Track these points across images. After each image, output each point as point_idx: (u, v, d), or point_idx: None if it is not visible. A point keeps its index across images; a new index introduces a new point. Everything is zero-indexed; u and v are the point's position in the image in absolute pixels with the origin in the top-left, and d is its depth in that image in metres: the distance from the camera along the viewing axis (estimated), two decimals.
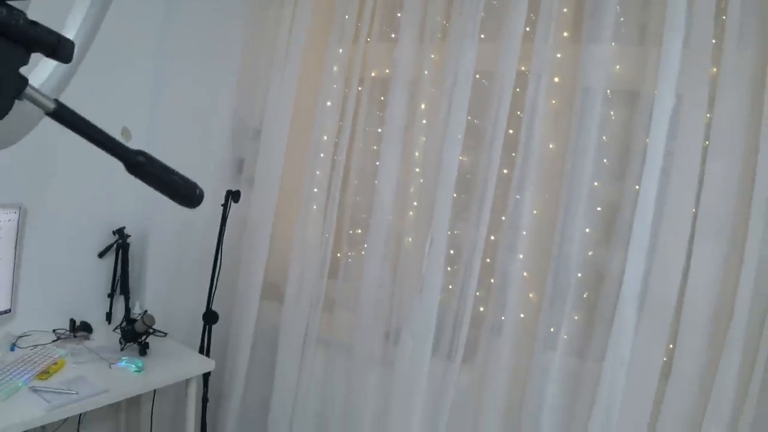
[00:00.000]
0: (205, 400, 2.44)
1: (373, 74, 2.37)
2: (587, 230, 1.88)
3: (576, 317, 1.91)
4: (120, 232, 2.60)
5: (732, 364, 1.61)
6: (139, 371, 2.13)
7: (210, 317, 2.42)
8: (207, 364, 2.36)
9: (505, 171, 2.03)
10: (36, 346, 2.18)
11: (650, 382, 1.74)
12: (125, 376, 2.09)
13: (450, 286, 2.13)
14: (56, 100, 0.60)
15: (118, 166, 0.65)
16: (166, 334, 2.52)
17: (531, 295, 2.00)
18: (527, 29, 1.96)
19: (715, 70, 1.69)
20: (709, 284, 1.68)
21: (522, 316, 1.99)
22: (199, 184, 0.71)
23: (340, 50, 2.38)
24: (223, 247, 2.41)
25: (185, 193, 0.69)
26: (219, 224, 2.40)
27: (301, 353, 2.46)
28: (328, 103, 2.40)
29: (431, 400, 2.12)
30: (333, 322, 2.43)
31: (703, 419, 1.66)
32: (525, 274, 1.99)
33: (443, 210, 2.07)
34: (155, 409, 2.64)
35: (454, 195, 2.07)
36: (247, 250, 2.59)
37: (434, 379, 2.11)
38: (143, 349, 2.28)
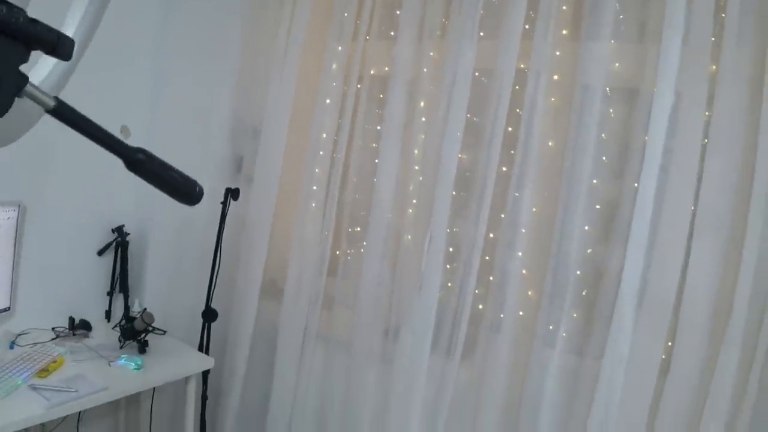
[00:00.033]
0: (204, 398, 2.45)
1: (372, 72, 2.37)
2: (586, 228, 1.88)
3: (575, 315, 1.91)
4: (119, 230, 2.61)
5: (731, 361, 1.61)
6: (139, 369, 2.13)
7: (209, 315, 2.42)
8: (206, 362, 2.37)
9: (504, 169, 2.03)
10: (35, 344, 2.18)
11: (649, 379, 1.75)
12: (124, 374, 2.10)
13: (449, 284, 2.13)
14: (56, 98, 0.60)
15: (117, 163, 0.65)
16: (165, 331, 2.52)
17: (530, 293, 2.00)
18: (526, 27, 1.96)
19: (714, 67, 1.69)
20: (708, 281, 1.69)
21: (521, 313, 1.99)
22: (198, 182, 0.71)
23: (339, 48, 2.38)
24: (222, 244, 2.41)
25: (185, 190, 0.70)
26: (218, 222, 2.40)
27: (300, 351, 2.46)
28: (327, 101, 2.40)
29: (430, 398, 2.12)
30: (332, 319, 2.43)
31: (701, 416, 1.66)
32: (524, 271, 1.99)
33: (442, 208, 2.07)
34: (154, 407, 2.64)
35: (453, 193, 2.07)
36: (246, 247, 2.59)
37: (433, 376, 2.11)
38: (142, 347, 2.28)
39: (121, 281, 2.63)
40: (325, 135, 2.42)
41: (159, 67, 2.71)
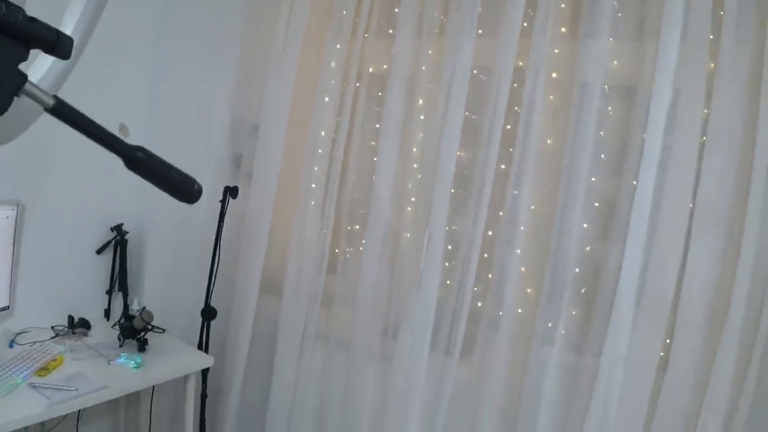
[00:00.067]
0: (203, 396, 2.45)
1: (370, 70, 2.37)
2: (585, 225, 1.89)
3: (573, 312, 1.91)
4: (118, 229, 2.60)
5: (728, 358, 1.62)
6: (138, 367, 2.13)
7: (208, 313, 2.42)
8: (206, 360, 2.37)
9: (503, 166, 2.03)
10: (35, 342, 2.18)
11: (647, 376, 1.75)
12: (124, 373, 2.10)
13: (448, 282, 2.14)
14: (55, 96, 0.60)
15: (116, 162, 0.65)
16: (164, 330, 2.52)
17: (529, 291, 2.00)
18: (525, 25, 1.96)
19: (712, 65, 1.69)
20: (706, 279, 1.69)
21: (520, 311, 2.00)
22: (197, 180, 0.71)
23: (338, 46, 2.38)
24: (221, 243, 2.41)
25: (184, 188, 0.70)
26: (217, 220, 2.40)
27: (299, 349, 2.46)
28: (326, 99, 2.40)
29: (429, 396, 2.12)
30: (331, 317, 2.43)
31: (699, 413, 1.67)
32: (523, 269, 1.99)
33: (441, 206, 2.07)
34: (154, 406, 2.65)
35: (452, 191, 2.07)
36: (246, 246, 2.59)
37: (432, 374, 2.12)
38: (142, 346, 2.28)
39: (120, 280, 2.63)
40: (323, 133, 2.42)
41: (157, 65, 2.71)
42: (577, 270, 1.90)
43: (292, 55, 2.44)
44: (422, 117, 2.21)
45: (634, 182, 1.75)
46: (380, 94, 2.34)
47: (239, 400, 2.60)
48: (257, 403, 2.59)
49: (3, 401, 1.75)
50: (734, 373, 1.62)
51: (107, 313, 2.65)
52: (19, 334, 2.23)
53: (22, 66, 0.57)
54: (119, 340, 2.31)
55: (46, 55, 0.60)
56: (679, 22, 1.66)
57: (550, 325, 1.92)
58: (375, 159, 2.30)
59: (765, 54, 1.61)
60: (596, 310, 1.86)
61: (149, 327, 2.30)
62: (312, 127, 2.43)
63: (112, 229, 2.61)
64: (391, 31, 2.30)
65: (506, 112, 1.97)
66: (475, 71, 2.06)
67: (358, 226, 2.42)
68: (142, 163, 0.65)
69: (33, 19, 0.55)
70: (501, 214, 2.02)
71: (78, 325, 2.41)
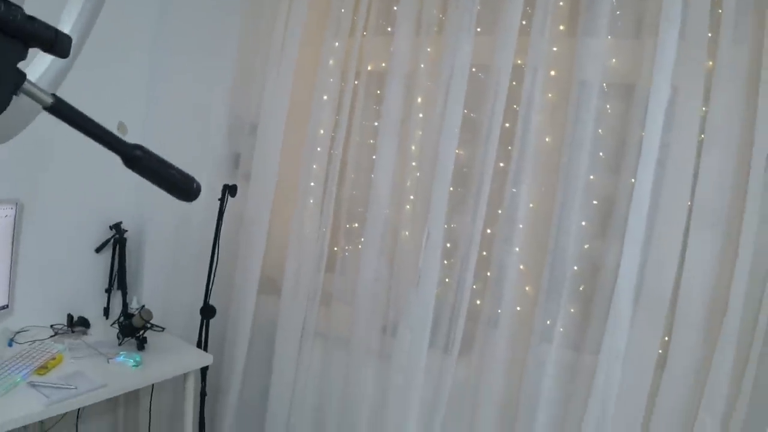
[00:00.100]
0: (203, 395, 2.45)
1: (369, 68, 2.37)
2: (583, 223, 1.89)
3: (572, 310, 1.92)
4: (117, 227, 2.60)
5: (726, 356, 1.62)
6: (137, 366, 2.13)
7: (207, 312, 2.42)
8: (205, 359, 2.37)
9: (502, 164, 2.03)
10: (34, 341, 2.18)
11: (645, 375, 1.76)
12: (123, 371, 2.10)
13: (447, 280, 2.14)
14: (54, 95, 0.60)
15: (115, 160, 0.65)
16: (163, 328, 2.52)
17: (527, 288, 2.00)
18: (523, 22, 1.96)
19: (711, 63, 1.69)
20: (705, 277, 1.69)
21: (518, 308, 2.00)
22: (196, 178, 0.72)
23: (337, 44, 2.38)
24: (220, 241, 2.41)
25: (182, 186, 0.70)
26: (216, 219, 2.40)
27: (298, 347, 2.46)
28: (325, 97, 2.40)
29: (428, 393, 2.13)
30: (330, 315, 2.44)
31: (697, 411, 1.67)
32: (521, 267, 2.00)
33: (440, 203, 2.07)
34: (153, 404, 2.65)
35: (451, 188, 2.07)
36: (244, 244, 2.59)
37: (431, 372, 2.12)
38: (141, 344, 2.28)
39: (119, 278, 2.63)
40: (322, 131, 2.42)
41: (155, 63, 2.71)
42: (575, 268, 1.90)
43: (290, 54, 2.44)
44: (421, 115, 2.21)
45: (633, 180, 1.75)
46: (379, 92, 2.34)
47: (238, 399, 2.60)
48: (256, 401, 2.59)
49: (2, 400, 1.75)
50: (732, 373, 1.62)
51: (106, 312, 2.65)
52: (19, 332, 2.24)
53: (20, 65, 0.58)
54: (118, 338, 2.31)
55: (45, 53, 0.60)
56: (678, 20, 1.66)
57: (548, 323, 1.93)
58: (374, 157, 2.30)
59: (763, 53, 1.61)
60: (595, 308, 1.87)
61: (148, 325, 2.31)
62: (311, 125, 2.43)
63: (111, 228, 2.61)
64: (389, 29, 2.30)
65: (505, 110, 1.97)
66: (473, 69, 2.06)
67: (356, 224, 2.42)
68: (141, 161, 0.66)
69: (32, 18, 0.55)
70: (500, 212, 2.03)
71: (77, 324, 2.41)
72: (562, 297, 1.89)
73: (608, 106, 1.88)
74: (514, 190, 1.98)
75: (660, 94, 1.69)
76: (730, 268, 1.64)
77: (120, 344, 2.29)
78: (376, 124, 2.34)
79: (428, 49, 2.19)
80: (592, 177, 1.87)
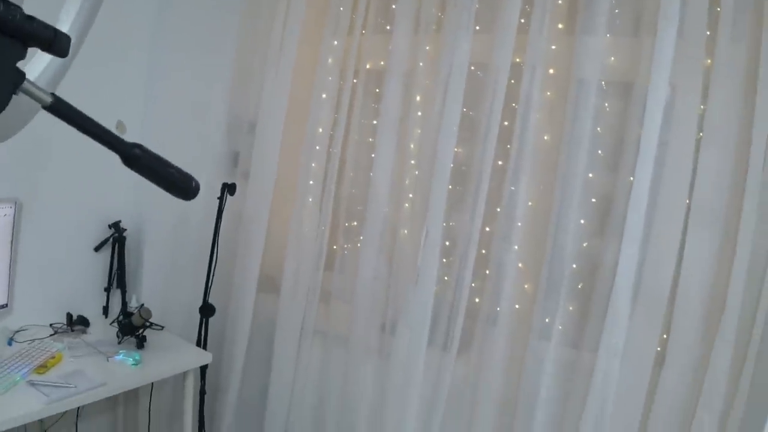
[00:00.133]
0: (202, 393, 2.46)
1: (368, 66, 2.37)
2: (582, 221, 1.89)
3: (571, 308, 1.92)
4: (116, 226, 2.61)
5: (724, 353, 1.62)
6: (137, 364, 2.13)
7: (206, 310, 2.42)
8: (204, 357, 2.37)
9: (500, 163, 2.04)
10: (33, 340, 2.19)
11: (644, 372, 1.76)
12: (123, 370, 2.10)
13: (445, 278, 2.14)
14: (53, 94, 0.60)
15: (113, 159, 0.66)
16: (163, 327, 2.53)
17: (526, 286, 2.01)
18: (522, 21, 1.96)
19: (709, 61, 1.69)
20: (703, 275, 1.70)
21: (517, 306, 2.00)
22: (195, 177, 0.72)
23: (335, 42, 2.38)
24: (219, 240, 2.41)
25: (181, 185, 0.70)
26: (215, 217, 2.40)
27: (297, 345, 2.47)
28: (323, 96, 2.40)
29: (427, 391, 2.13)
30: (329, 314, 2.44)
31: (696, 408, 1.67)
32: (520, 265, 2.00)
33: (438, 202, 2.07)
34: (153, 403, 2.65)
35: (449, 187, 2.07)
36: (243, 243, 2.59)
37: (430, 370, 2.12)
38: (140, 343, 2.28)
39: (118, 277, 2.63)
40: (321, 130, 2.42)
41: (154, 62, 2.71)
42: (574, 266, 1.90)
43: (289, 52, 2.44)
44: (419, 113, 2.21)
45: (631, 178, 1.75)
46: (377, 90, 2.34)
47: (238, 397, 2.60)
48: (256, 399, 2.60)
49: (2, 399, 1.75)
50: (730, 371, 1.63)
51: (105, 311, 2.65)
52: (18, 331, 2.24)
53: (19, 64, 0.58)
54: (118, 337, 2.31)
55: (44, 52, 0.60)
56: (676, 19, 1.67)
57: (547, 320, 1.93)
58: (372, 155, 2.30)
59: (761, 52, 1.61)
60: (593, 305, 1.87)
61: (148, 324, 2.31)
62: (309, 123, 2.43)
63: (109, 227, 2.61)
64: (388, 28, 2.30)
65: (503, 109, 1.97)
66: (472, 67, 2.06)
67: (355, 223, 2.42)
68: (140, 159, 0.66)
69: (31, 18, 0.55)
70: (498, 210, 2.03)
71: (76, 323, 2.41)
72: (561, 295, 1.90)
73: (606, 105, 1.88)
74: (512, 188, 1.98)
75: (658, 92, 1.69)
76: (728, 267, 1.65)
77: (119, 343, 2.30)
78: (374, 122, 2.34)
79: (427, 48, 2.19)
80: (590, 175, 1.87)
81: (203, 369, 2.43)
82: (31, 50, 0.59)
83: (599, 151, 1.88)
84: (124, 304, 2.61)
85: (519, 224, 1.98)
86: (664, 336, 1.76)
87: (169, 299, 2.70)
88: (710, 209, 1.69)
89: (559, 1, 1.93)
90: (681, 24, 1.67)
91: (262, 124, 2.53)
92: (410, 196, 2.23)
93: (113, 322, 2.50)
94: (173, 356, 2.32)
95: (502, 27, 1.97)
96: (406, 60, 2.21)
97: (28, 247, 2.29)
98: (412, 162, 2.22)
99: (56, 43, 0.58)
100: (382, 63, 2.31)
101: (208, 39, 2.59)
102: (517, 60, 1.97)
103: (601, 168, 1.88)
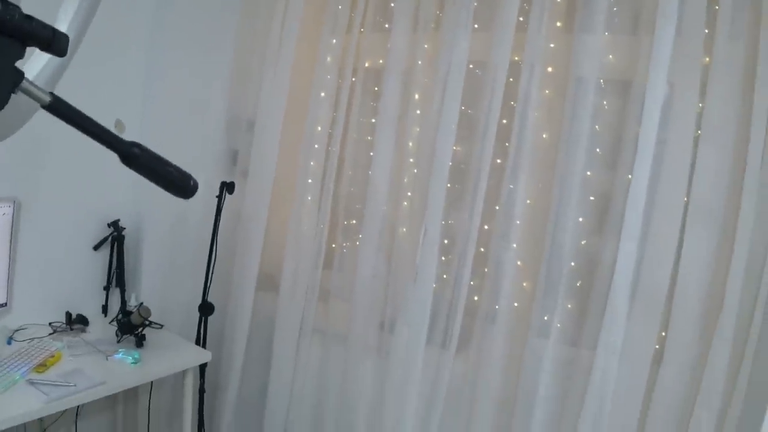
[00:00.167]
0: (202, 392, 2.46)
1: (366, 64, 2.37)
2: (580, 219, 1.90)
3: (569, 306, 1.93)
4: (115, 225, 2.60)
5: (722, 354, 1.63)
6: (136, 363, 2.14)
7: (206, 309, 2.43)
8: (203, 356, 2.38)
9: (499, 161, 2.04)
10: (32, 339, 2.19)
11: (642, 370, 1.77)
12: (122, 368, 2.10)
13: (444, 276, 2.14)
14: (51, 93, 0.60)
15: (112, 158, 0.66)
16: (162, 326, 2.53)
17: (525, 284, 2.01)
18: (520, 19, 1.96)
19: (707, 59, 1.69)
20: (701, 273, 1.70)
21: (516, 304, 2.01)
22: (194, 175, 0.72)
23: (334, 41, 2.38)
24: (218, 238, 2.41)
25: (180, 184, 0.70)
26: (214, 216, 2.40)
27: (296, 344, 2.47)
28: (322, 94, 2.40)
29: (426, 389, 2.13)
30: (328, 312, 2.44)
31: (694, 406, 1.68)
32: (519, 263, 2.00)
33: (437, 200, 2.07)
34: (152, 401, 2.65)
35: (448, 185, 2.08)
36: (242, 241, 2.59)
37: (429, 367, 2.13)
38: (140, 341, 2.28)
39: (117, 276, 2.63)
40: (320, 128, 2.42)
41: (152, 60, 2.70)
42: (572, 264, 1.91)
43: (287, 51, 2.44)
44: (418, 111, 2.21)
45: (629, 176, 1.75)
46: (376, 88, 2.35)
47: (237, 395, 2.61)
48: (255, 397, 2.60)
49: (1, 398, 1.75)
50: (728, 369, 1.63)
51: (105, 309, 2.65)
52: (17, 330, 2.24)
53: (18, 63, 0.58)
54: (117, 336, 2.31)
55: (42, 52, 0.60)
56: (674, 17, 1.67)
57: (545, 318, 1.94)
58: (371, 154, 2.30)
59: (759, 50, 1.61)
60: (591, 303, 1.87)
61: (147, 323, 2.31)
62: (308, 122, 2.43)
63: (108, 225, 2.61)
64: (386, 26, 2.30)
65: (502, 107, 1.97)
66: (470, 66, 2.06)
67: (354, 221, 2.43)
68: (138, 158, 0.66)
69: (29, 17, 0.55)
70: (497, 208, 2.03)
71: (76, 322, 2.41)
72: (559, 293, 1.90)
73: (605, 103, 1.89)
74: (511, 186, 1.99)
75: (656, 90, 1.69)
76: (726, 264, 1.65)
77: (119, 342, 2.30)
78: (373, 120, 2.34)
79: (425, 46, 2.19)
80: (588, 173, 1.88)
81: (202, 367, 2.43)
82: (29, 49, 0.59)
83: (597, 149, 1.88)
84: (124, 302, 2.61)
85: (518, 222, 1.98)
86: (663, 334, 1.76)
87: (168, 298, 2.70)
88: (708, 207, 1.69)
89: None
90: (679, 22, 1.68)
91: (260, 122, 2.53)
92: (409, 194, 2.23)
93: (112, 320, 2.50)
94: (172, 355, 2.33)
95: (500, 25, 1.97)
96: (405, 58, 2.21)
97: (27, 246, 2.29)
98: (411, 160, 2.23)
99: (55, 43, 0.58)
100: (380, 61, 2.31)
101: (206, 37, 2.59)
102: (516, 58, 1.98)
103: (599, 166, 1.88)
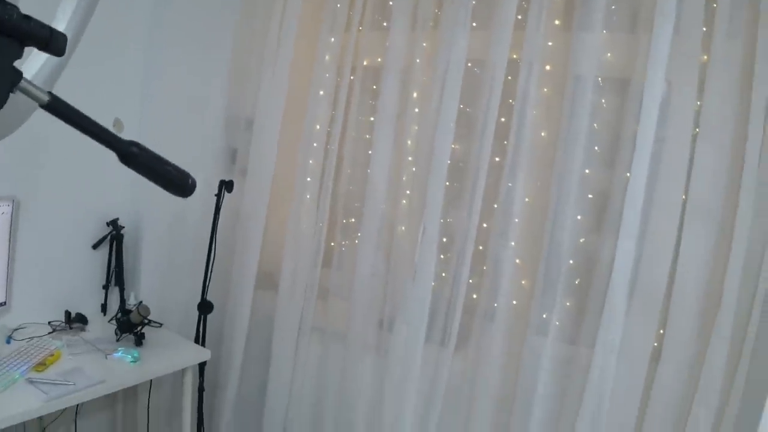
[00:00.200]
0: (201, 390, 2.46)
1: (365, 63, 2.37)
2: (578, 217, 1.90)
3: (568, 303, 1.93)
4: (114, 224, 2.60)
5: (720, 352, 1.63)
6: (135, 362, 2.14)
7: (205, 307, 2.43)
8: (203, 354, 2.38)
9: (497, 159, 2.04)
10: (32, 338, 2.19)
11: (640, 368, 1.77)
12: (121, 367, 2.11)
13: (443, 274, 2.15)
14: (50, 93, 0.60)
15: (111, 157, 0.66)
16: (161, 324, 2.53)
17: (523, 282, 2.01)
18: (519, 17, 1.96)
19: (705, 57, 1.70)
20: (699, 271, 1.71)
21: (514, 302, 2.01)
22: (192, 174, 0.72)
23: (332, 39, 2.38)
24: (216, 237, 2.41)
25: (178, 182, 0.71)
26: (212, 215, 2.40)
27: (295, 342, 2.47)
28: (321, 93, 2.40)
29: (425, 387, 2.14)
30: (327, 310, 2.44)
31: (691, 407, 1.68)
32: (517, 261, 2.01)
33: (436, 198, 2.08)
34: (152, 400, 2.65)
35: (447, 183, 2.08)
36: (241, 240, 2.59)
37: (428, 365, 2.13)
38: (139, 340, 2.28)
39: (116, 274, 2.63)
40: (318, 126, 2.42)
41: (150, 58, 2.70)
42: (571, 262, 1.91)
43: (286, 49, 2.44)
44: (417, 110, 2.21)
45: (627, 174, 1.76)
46: (375, 87, 2.34)
47: (236, 394, 2.61)
48: (254, 396, 2.60)
49: (1, 397, 1.76)
50: (726, 367, 1.63)
51: (104, 308, 2.65)
52: (16, 329, 2.24)
53: (16, 63, 0.58)
54: (116, 334, 2.31)
55: (40, 51, 0.60)
56: (672, 15, 1.67)
57: (544, 316, 1.94)
58: (370, 152, 2.30)
59: (757, 48, 1.61)
60: (590, 301, 1.88)
61: (146, 321, 2.31)
62: (307, 120, 2.43)
63: (107, 224, 2.61)
64: (385, 24, 2.29)
65: (500, 105, 1.97)
66: (469, 64, 2.06)
67: (353, 219, 2.43)
68: (136, 157, 0.66)
69: (27, 17, 0.55)
70: (495, 206, 2.03)
71: (75, 320, 2.41)
72: (558, 291, 1.91)
73: (603, 101, 1.89)
74: (509, 184, 1.99)
75: (654, 88, 1.70)
76: (724, 263, 1.65)
77: (118, 340, 2.30)
78: (372, 119, 2.34)
79: (424, 44, 2.19)
80: (587, 171, 1.88)
81: (202, 366, 2.43)
82: (27, 49, 0.59)
83: (596, 147, 1.88)
84: (123, 301, 2.61)
85: (516, 220, 1.99)
86: (661, 332, 1.77)
87: (167, 296, 2.70)
88: (706, 205, 1.69)
89: None
90: (677, 20, 1.68)
91: (259, 121, 2.53)
92: (407, 192, 2.23)
93: (111, 319, 2.50)
94: (172, 353, 2.33)
95: (498, 23, 1.97)
96: (403, 56, 2.21)
97: (26, 245, 2.29)
98: (410, 158, 2.23)
99: (53, 42, 0.58)
100: (379, 60, 2.31)
101: (204, 35, 2.59)
102: (514, 56, 1.98)
103: (597, 164, 1.88)
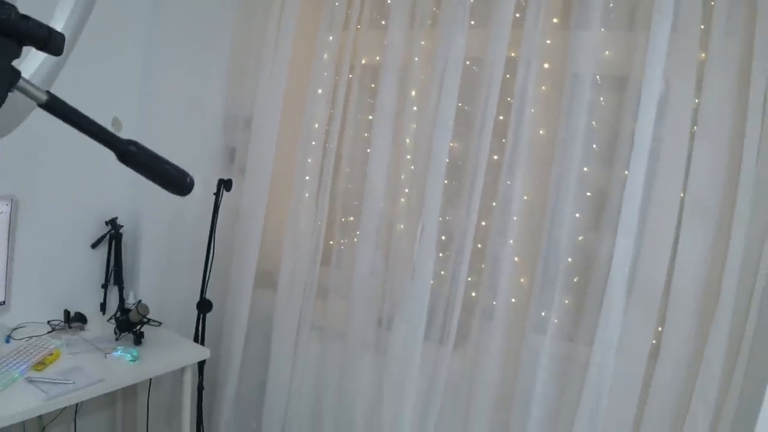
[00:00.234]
0: (200, 389, 2.46)
1: (363, 61, 2.37)
2: (577, 215, 1.90)
3: (566, 301, 1.93)
4: (113, 223, 2.60)
5: (718, 349, 1.64)
6: (135, 360, 2.14)
7: (204, 306, 2.43)
8: (202, 353, 2.38)
9: (496, 157, 2.04)
10: (31, 337, 2.19)
11: (638, 365, 1.77)
12: (121, 366, 2.11)
13: (442, 272, 2.15)
14: (48, 92, 0.61)
15: (110, 156, 0.66)
16: (160, 323, 2.53)
17: (522, 280, 2.02)
18: (517, 15, 1.96)
19: (703, 55, 1.70)
20: (697, 269, 1.71)
21: (513, 300, 2.01)
22: (191, 173, 0.72)
23: (331, 37, 2.38)
24: (215, 236, 2.41)
25: (176, 181, 0.71)
26: (211, 213, 2.40)
27: (294, 340, 2.47)
28: (319, 91, 2.40)
29: (424, 385, 2.14)
30: (326, 309, 2.44)
31: (690, 402, 1.69)
32: (516, 259, 2.01)
33: (434, 196, 2.08)
34: (151, 399, 2.65)
35: (445, 181, 2.08)
36: (240, 238, 2.60)
37: (427, 364, 2.13)
38: (138, 339, 2.28)
39: (115, 273, 2.63)
40: (317, 125, 2.42)
41: (149, 58, 2.70)
42: (569, 259, 1.91)
43: (284, 47, 2.44)
44: (415, 108, 2.21)
45: (626, 172, 1.76)
46: (373, 85, 2.34)
47: (236, 392, 2.61)
48: (253, 394, 2.61)
49: (0, 396, 1.76)
50: (724, 365, 1.64)
51: (103, 307, 2.65)
52: (15, 329, 2.24)
53: (14, 62, 0.58)
54: (115, 333, 2.31)
55: (38, 51, 0.60)
56: (670, 13, 1.67)
57: (543, 314, 1.94)
58: (368, 150, 2.30)
59: (755, 45, 1.61)
60: (588, 299, 1.88)
61: (145, 320, 2.31)
62: (305, 119, 2.43)
63: (106, 223, 2.60)
64: (383, 23, 2.29)
65: (498, 103, 1.98)
66: (467, 62, 2.06)
67: (352, 218, 2.43)
68: (135, 156, 0.66)
69: (25, 17, 0.56)
70: (494, 204, 2.03)
71: (74, 320, 2.41)
72: (556, 288, 1.91)
73: (601, 99, 1.89)
74: (508, 182, 1.99)
75: (652, 86, 1.70)
76: (722, 260, 1.66)
77: (117, 339, 2.30)
78: (370, 117, 2.34)
79: (422, 43, 2.19)
80: (585, 169, 1.88)
81: (201, 364, 2.43)
82: (26, 48, 0.59)
83: (594, 145, 1.88)
84: (122, 300, 2.61)
85: (515, 218, 1.99)
86: (659, 329, 1.77)
87: (166, 295, 2.70)
88: (704, 203, 1.70)
89: None
90: (675, 18, 1.68)
91: (258, 119, 2.53)
92: (406, 190, 2.24)
93: (111, 318, 2.50)
94: (171, 352, 2.33)
95: (497, 21, 1.97)
96: (402, 55, 2.21)
97: (25, 245, 2.28)
98: (408, 157, 2.23)
99: (51, 42, 0.58)
100: (377, 58, 2.31)
101: (203, 34, 2.58)
102: (512, 54, 1.98)
103: (595, 162, 1.89)
